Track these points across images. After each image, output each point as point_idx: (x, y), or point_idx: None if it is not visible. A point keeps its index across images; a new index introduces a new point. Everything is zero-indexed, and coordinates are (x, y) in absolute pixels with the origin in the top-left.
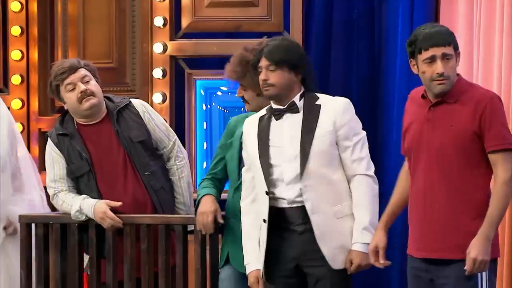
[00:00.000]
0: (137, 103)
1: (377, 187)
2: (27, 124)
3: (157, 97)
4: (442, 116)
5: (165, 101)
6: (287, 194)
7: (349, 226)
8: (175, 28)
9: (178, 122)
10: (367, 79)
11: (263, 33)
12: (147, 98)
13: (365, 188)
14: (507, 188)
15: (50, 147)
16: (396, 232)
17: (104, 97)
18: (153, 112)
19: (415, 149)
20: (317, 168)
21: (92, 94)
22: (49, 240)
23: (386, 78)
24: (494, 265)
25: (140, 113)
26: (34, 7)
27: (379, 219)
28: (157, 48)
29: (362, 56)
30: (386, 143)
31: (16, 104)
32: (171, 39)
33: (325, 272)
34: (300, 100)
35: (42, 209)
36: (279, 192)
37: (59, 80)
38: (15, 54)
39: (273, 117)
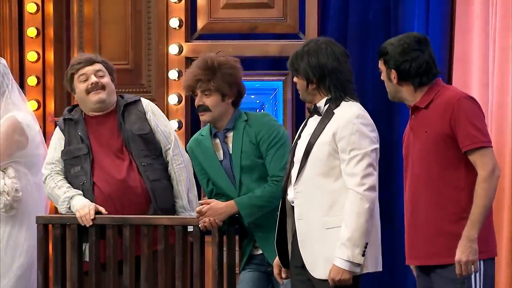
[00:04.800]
0: (145, 102)
1: (367, 204)
2: (43, 126)
3: (172, 99)
4: (419, 123)
5: (180, 102)
6: (290, 193)
7: (338, 239)
8: (190, 29)
9: (194, 123)
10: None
11: (278, 35)
12: (162, 99)
13: (350, 203)
14: (487, 185)
15: (57, 131)
16: None
17: (118, 95)
18: (156, 113)
19: (405, 160)
20: (312, 175)
21: (103, 87)
22: (66, 240)
23: None
24: (488, 265)
25: (145, 110)
26: (50, 8)
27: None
28: (173, 49)
29: (377, 57)
30: (400, 145)
31: (32, 105)
32: (186, 41)
33: (307, 279)
34: (325, 105)
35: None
36: (289, 189)
37: (74, 69)
38: (31, 56)
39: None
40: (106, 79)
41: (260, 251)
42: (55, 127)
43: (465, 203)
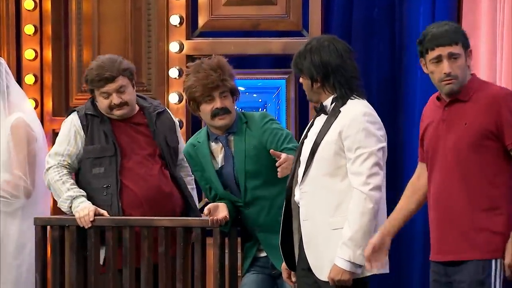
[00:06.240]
0: (169, 112)
1: (370, 204)
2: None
3: (173, 97)
4: (456, 115)
5: (181, 101)
6: (297, 193)
7: None
8: (191, 26)
9: (195, 122)
10: (388, 79)
11: (281, 32)
12: (163, 98)
13: (354, 203)
14: None
15: (74, 123)
16: (417, 236)
17: (137, 96)
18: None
19: (432, 151)
20: (318, 175)
21: (126, 103)
22: (65, 242)
23: (407, 77)
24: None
25: (174, 121)
26: (48, 5)
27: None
28: (173, 47)
29: (382, 55)
30: (407, 144)
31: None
32: (187, 38)
33: (313, 281)
34: (331, 103)
35: None
36: (295, 189)
37: (94, 86)
38: (28, 54)
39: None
40: (128, 94)
41: (264, 254)
42: (69, 114)
43: (499, 200)
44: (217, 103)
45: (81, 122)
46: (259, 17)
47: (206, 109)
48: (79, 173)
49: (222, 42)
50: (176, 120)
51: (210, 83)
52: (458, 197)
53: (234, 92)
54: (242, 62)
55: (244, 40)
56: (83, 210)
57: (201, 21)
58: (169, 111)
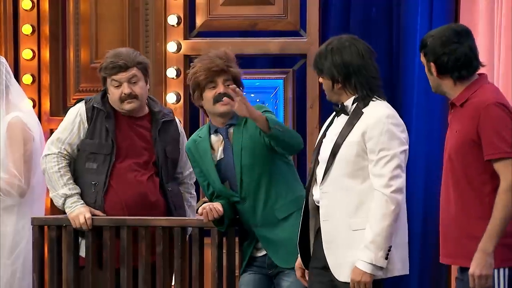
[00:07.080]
0: (177, 121)
1: (392, 206)
2: None
3: (171, 97)
4: (453, 121)
5: (179, 101)
6: (316, 193)
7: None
8: (189, 26)
9: (192, 122)
10: (385, 79)
11: (279, 32)
12: (160, 98)
13: (375, 205)
14: (505, 197)
15: (80, 113)
16: (414, 237)
17: (150, 98)
18: (184, 136)
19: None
20: (339, 176)
21: (136, 97)
22: (62, 242)
23: (405, 77)
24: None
25: (180, 133)
26: (45, 5)
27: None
28: (171, 47)
29: (380, 55)
30: (410, 146)
31: None
32: (185, 38)
33: (328, 280)
34: (352, 104)
35: None
36: (314, 188)
37: (107, 73)
38: (26, 53)
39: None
40: (139, 87)
41: (261, 253)
42: (76, 103)
43: (489, 208)
44: (220, 89)
45: (86, 113)
46: (256, 17)
47: (208, 96)
48: (72, 162)
49: (219, 42)
50: (182, 130)
51: (215, 67)
52: (453, 204)
53: (238, 83)
54: (240, 62)
55: (241, 40)
56: (78, 216)
57: (199, 21)
58: (177, 120)
